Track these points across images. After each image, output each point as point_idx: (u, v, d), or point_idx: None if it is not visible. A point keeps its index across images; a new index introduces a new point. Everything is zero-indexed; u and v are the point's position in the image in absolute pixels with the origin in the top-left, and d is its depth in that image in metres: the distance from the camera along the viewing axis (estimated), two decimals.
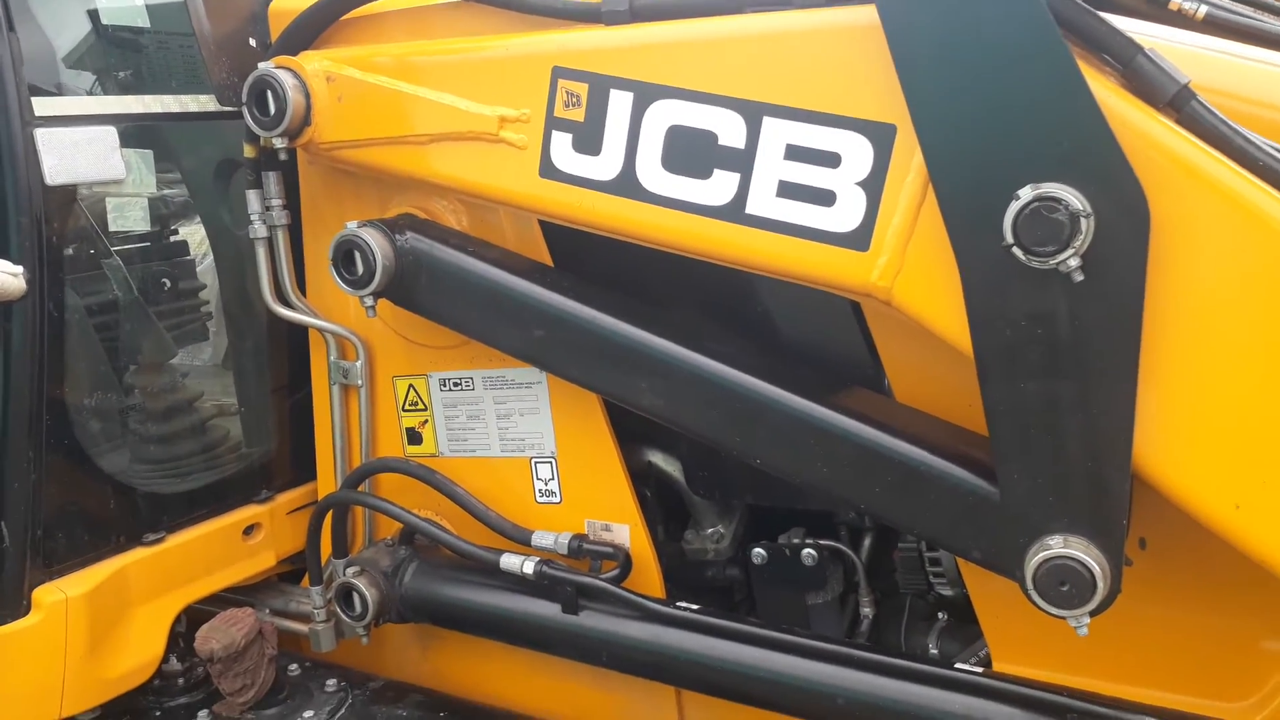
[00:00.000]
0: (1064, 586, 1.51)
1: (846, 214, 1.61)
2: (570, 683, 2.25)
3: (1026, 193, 1.40)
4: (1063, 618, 1.53)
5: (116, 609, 2.19)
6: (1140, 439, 1.46)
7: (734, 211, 1.69)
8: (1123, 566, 1.52)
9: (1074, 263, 1.38)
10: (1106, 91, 1.43)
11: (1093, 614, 1.52)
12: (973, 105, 1.44)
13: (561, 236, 2.08)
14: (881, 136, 1.57)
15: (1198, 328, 1.43)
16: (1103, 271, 1.40)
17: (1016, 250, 1.41)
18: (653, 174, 1.76)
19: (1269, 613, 1.70)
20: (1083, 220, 1.37)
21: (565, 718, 2.22)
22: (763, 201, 1.67)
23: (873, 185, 1.59)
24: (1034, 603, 1.54)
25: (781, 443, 1.78)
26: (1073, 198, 1.37)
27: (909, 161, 1.56)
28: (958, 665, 1.81)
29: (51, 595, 2.09)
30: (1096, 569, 1.49)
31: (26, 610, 2.08)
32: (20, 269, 1.98)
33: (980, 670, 1.80)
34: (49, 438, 2.11)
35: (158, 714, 2.31)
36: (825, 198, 1.62)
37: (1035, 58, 1.40)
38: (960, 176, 1.47)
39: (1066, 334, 1.44)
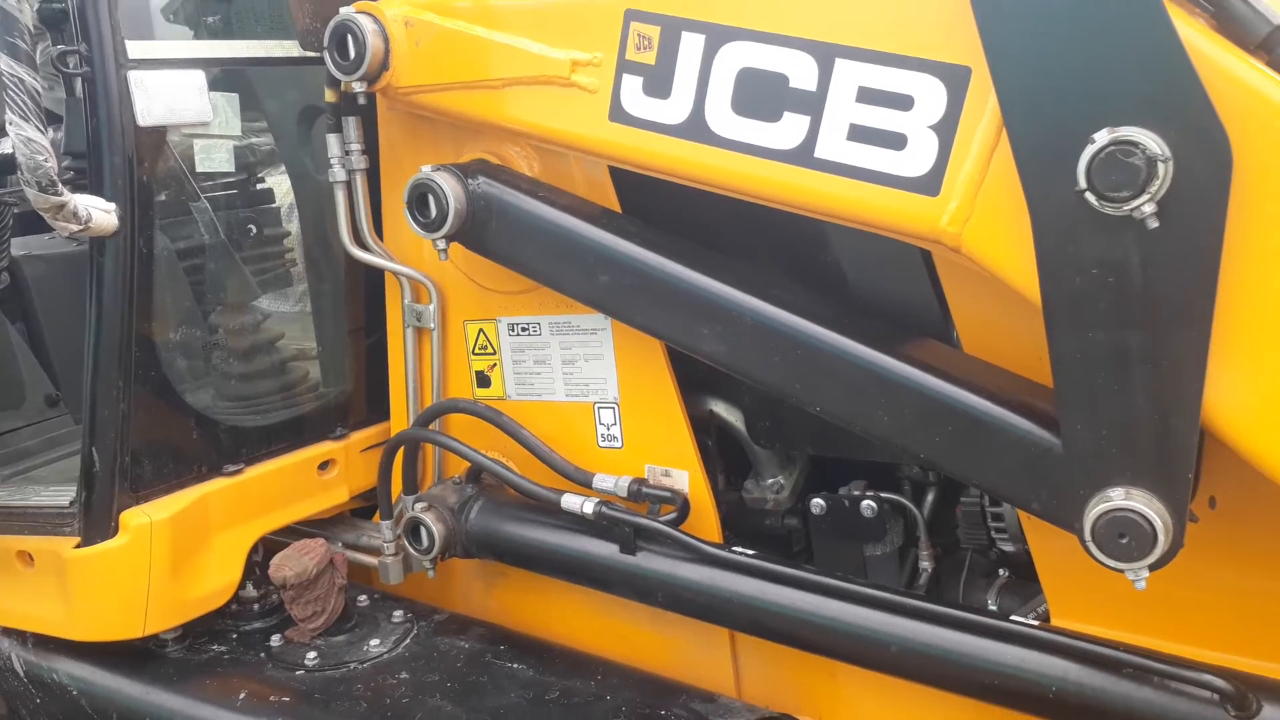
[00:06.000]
0: (1123, 539, 1.49)
1: (917, 158, 1.59)
2: (627, 622, 2.29)
3: (1103, 136, 1.36)
4: (1120, 570, 1.51)
5: (198, 535, 2.28)
6: (1212, 392, 1.42)
7: (803, 155, 1.68)
8: (1187, 522, 1.49)
9: (1149, 209, 1.35)
10: (1193, 32, 1.39)
11: (1152, 568, 1.49)
12: (1051, 46, 1.41)
13: (631, 183, 2.09)
14: (956, 79, 1.55)
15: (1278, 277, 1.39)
16: (1179, 218, 1.36)
17: (1089, 195, 1.38)
18: (722, 117, 1.76)
19: None
20: (1160, 165, 1.34)
21: (622, 656, 2.26)
22: (832, 145, 1.66)
23: (945, 129, 1.57)
24: (1091, 554, 1.52)
25: (842, 391, 1.78)
26: (1151, 141, 1.34)
27: (983, 105, 1.54)
28: (1013, 617, 1.80)
29: (137, 519, 2.19)
30: (1158, 522, 1.46)
31: (115, 532, 2.19)
32: (113, 205, 2.07)
33: (1035, 623, 1.78)
34: (137, 369, 2.19)
35: (234, 636, 2.39)
36: (896, 141, 1.61)
37: None
38: (1035, 120, 1.44)
39: (1138, 282, 1.41)
